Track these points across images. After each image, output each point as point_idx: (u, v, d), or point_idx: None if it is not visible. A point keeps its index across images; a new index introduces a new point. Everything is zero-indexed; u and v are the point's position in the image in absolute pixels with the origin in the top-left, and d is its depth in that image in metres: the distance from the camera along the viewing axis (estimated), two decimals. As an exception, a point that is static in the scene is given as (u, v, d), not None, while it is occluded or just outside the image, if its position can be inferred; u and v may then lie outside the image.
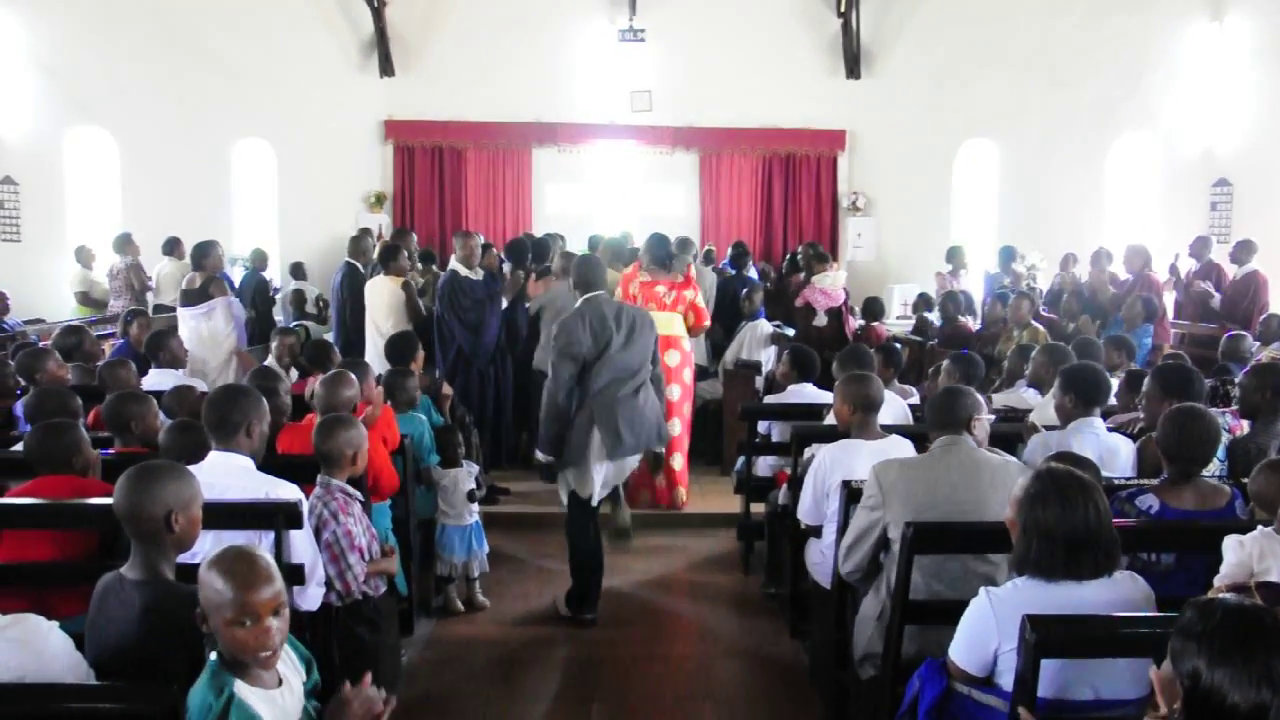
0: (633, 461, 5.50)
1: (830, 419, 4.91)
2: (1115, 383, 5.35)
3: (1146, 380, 4.53)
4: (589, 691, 4.67)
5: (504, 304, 7.71)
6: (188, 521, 2.64)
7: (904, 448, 4.30)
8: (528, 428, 7.84)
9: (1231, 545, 2.97)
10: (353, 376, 4.72)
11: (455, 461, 5.52)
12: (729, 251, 10.75)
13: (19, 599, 2.96)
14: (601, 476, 5.28)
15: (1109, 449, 4.29)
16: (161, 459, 3.03)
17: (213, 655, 2.29)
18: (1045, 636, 2.49)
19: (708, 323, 7.53)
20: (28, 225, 12.47)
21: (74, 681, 2.41)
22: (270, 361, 6.45)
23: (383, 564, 3.98)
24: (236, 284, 10.35)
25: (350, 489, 3.88)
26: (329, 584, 3.70)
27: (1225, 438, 4.24)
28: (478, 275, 7.63)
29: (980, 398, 3.89)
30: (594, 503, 5.36)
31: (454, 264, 7.64)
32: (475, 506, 5.52)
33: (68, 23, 12.29)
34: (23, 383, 5.45)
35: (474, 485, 5.49)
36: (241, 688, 2.24)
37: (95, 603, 2.62)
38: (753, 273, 10.21)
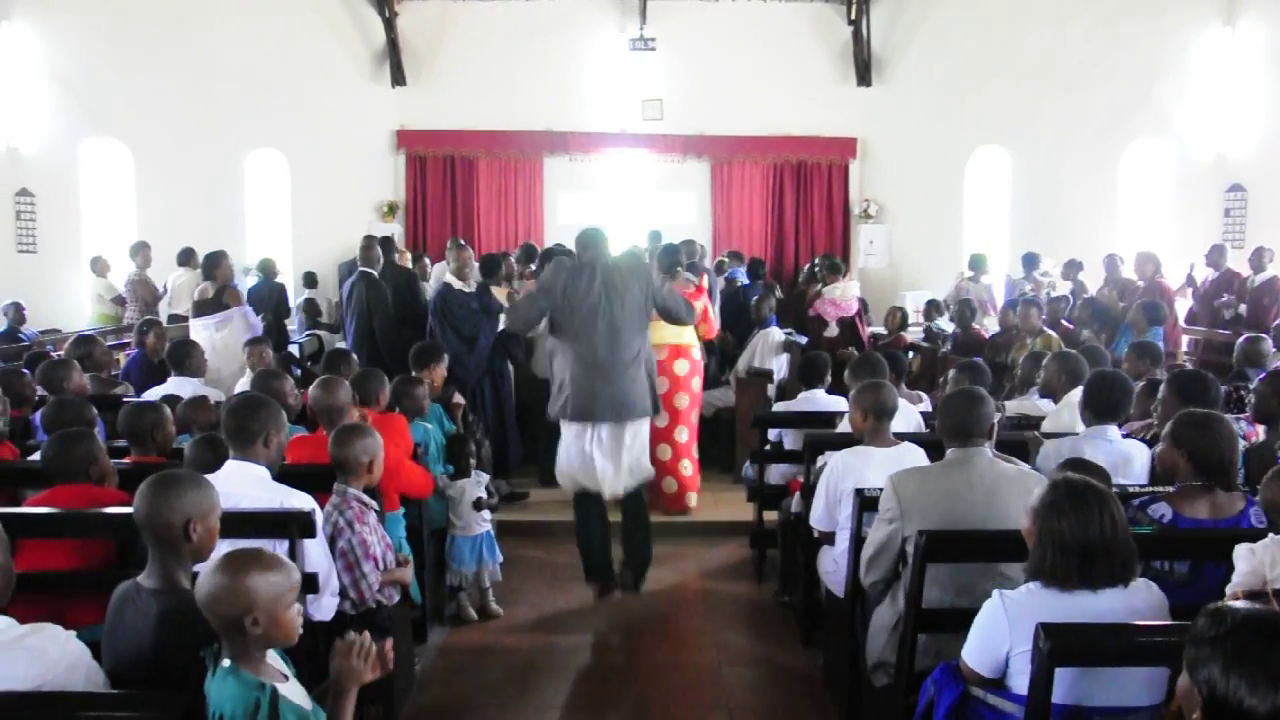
0: (631, 455, 5.50)
1: (844, 426, 4.91)
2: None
3: (1162, 387, 4.50)
4: (601, 700, 4.67)
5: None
6: (206, 531, 2.66)
7: (916, 455, 4.29)
8: (531, 436, 7.85)
9: (1242, 554, 2.94)
10: (344, 380, 4.75)
11: (466, 471, 5.52)
12: (743, 263, 10.76)
13: (36, 608, 2.97)
14: (582, 459, 5.39)
15: (1122, 456, 4.26)
16: (182, 469, 3.05)
17: (226, 661, 2.31)
18: (1059, 645, 2.48)
19: (716, 332, 7.55)
20: (44, 236, 12.58)
21: (91, 690, 2.42)
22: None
23: (397, 573, 3.99)
24: (247, 293, 10.41)
25: (366, 497, 3.89)
26: (343, 593, 3.72)
27: (1241, 445, 4.20)
28: (470, 288, 7.58)
29: (994, 403, 3.81)
30: (588, 489, 5.45)
31: (447, 276, 7.57)
32: (487, 515, 5.52)
33: (83, 36, 12.41)
34: (41, 392, 5.48)
35: (483, 494, 5.49)
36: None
37: (112, 611, 2.63)
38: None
